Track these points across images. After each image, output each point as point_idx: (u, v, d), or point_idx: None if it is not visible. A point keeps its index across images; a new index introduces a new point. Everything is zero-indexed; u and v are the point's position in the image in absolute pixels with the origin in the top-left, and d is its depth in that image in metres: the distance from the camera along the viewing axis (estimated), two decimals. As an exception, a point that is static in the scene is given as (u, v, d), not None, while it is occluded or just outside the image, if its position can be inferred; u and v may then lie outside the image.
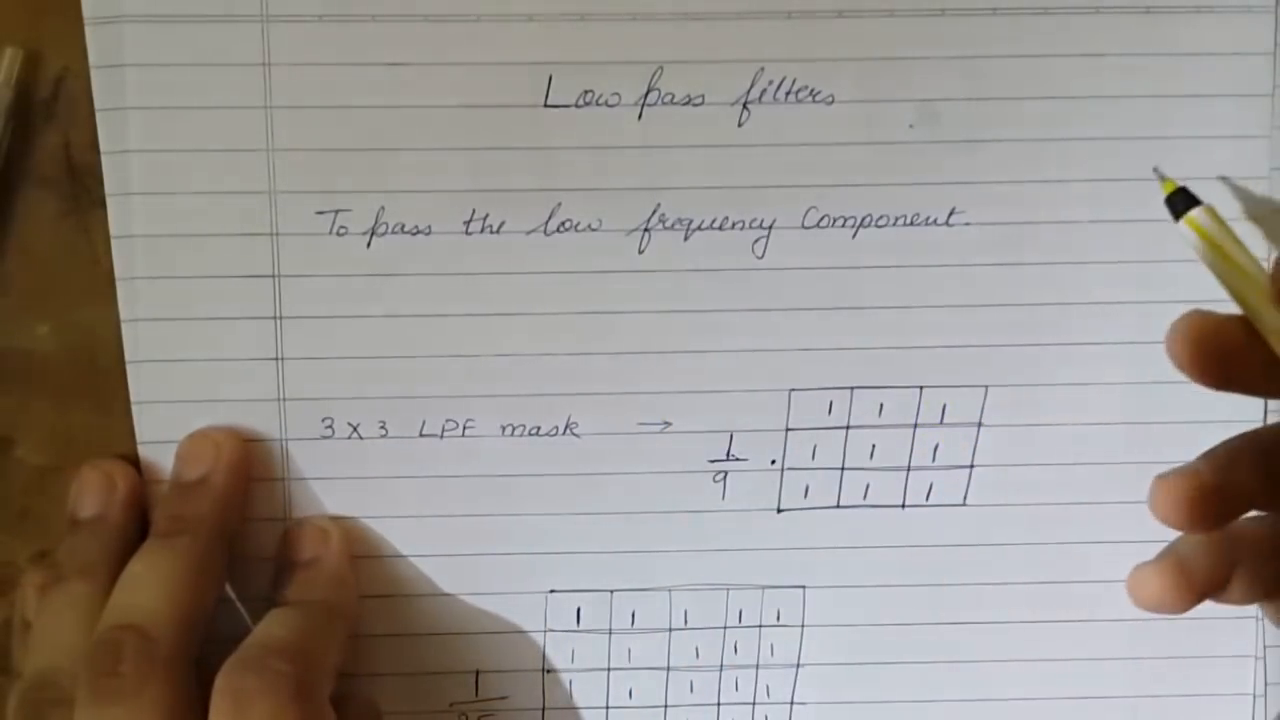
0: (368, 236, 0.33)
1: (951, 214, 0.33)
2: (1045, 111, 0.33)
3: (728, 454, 0.34)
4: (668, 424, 0.34)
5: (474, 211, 0.33)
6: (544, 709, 0.35)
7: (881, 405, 0.34)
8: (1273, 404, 0.34)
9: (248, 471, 0.33)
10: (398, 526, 0.34)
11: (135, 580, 0.30)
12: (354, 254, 0.33)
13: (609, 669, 0.35)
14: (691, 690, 0.36)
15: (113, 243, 0.32)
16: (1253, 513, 0.29)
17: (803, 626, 0.35)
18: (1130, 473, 0.34)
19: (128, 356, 0.33)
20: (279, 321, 0.33)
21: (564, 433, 0.34)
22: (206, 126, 0.32)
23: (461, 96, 0.32)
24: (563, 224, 0.33)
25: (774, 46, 0.32)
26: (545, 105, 0.32)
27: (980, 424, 0.34)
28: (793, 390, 0.34)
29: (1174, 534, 0.29)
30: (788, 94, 0.33)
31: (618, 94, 0.32)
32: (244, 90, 0.32)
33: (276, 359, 0.33)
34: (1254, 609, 0.34)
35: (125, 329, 0.33)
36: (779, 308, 0.33)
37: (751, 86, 0.33)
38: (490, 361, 0.33)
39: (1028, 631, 0.35)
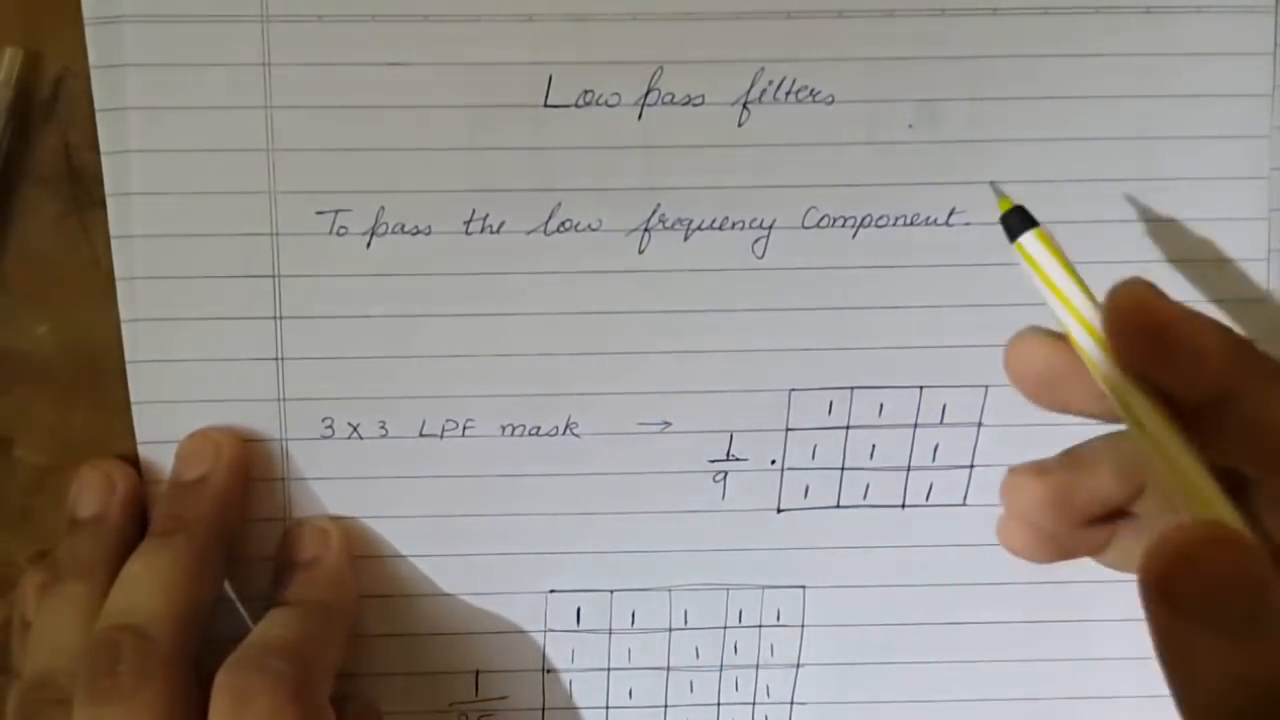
0: (368, 236, 0.33)
1: (951, 214, 0.33)
2: (1045, 111, 0.33)
3: (728, 454, 0.34)
4: (668, 424, 0.34)
5: (474, 211, 0.33)
6: (544, 709, 0.35)
7: (881, 405, 0.34)
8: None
9: (247, 471, 0.33)
10: (398, 526, 0.34)
11: (133, 580, 0.30)
12: (354, 254, 0.33)
13: (609, 669, 0.35)
14: (691, 690, 0.36)
15: (113, 243, 0.32)
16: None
17: (803, 626, 0.35)
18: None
19: (128, 356, 0.33)
20: (279, 321, 0.33)
21: (564, 433, 0.34)
22: (206, 126, 0.32)
23: (461, 96, 0.32)
24: (563, 224, 0.33)
25: (774, 46, 0.32)
26: (545, 105, 0.32)
27: (980, 424, 0.34)
28: (793, 390, 0.34)
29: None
30: (788, 94, 0.33)
31: (618, 94, 0.32)
32: (244, 90, 0.32)
33: (276, 359, 0.33)
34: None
35: (125, 329, 0.33)
36: (779, 308, 0.33)
37: (751, 86, 0.33)
38: (490, 361, 0.33)
39: (1028, 631, 0.35)
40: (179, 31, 0.32)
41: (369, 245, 0.33)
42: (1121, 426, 0.27)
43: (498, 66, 0.32)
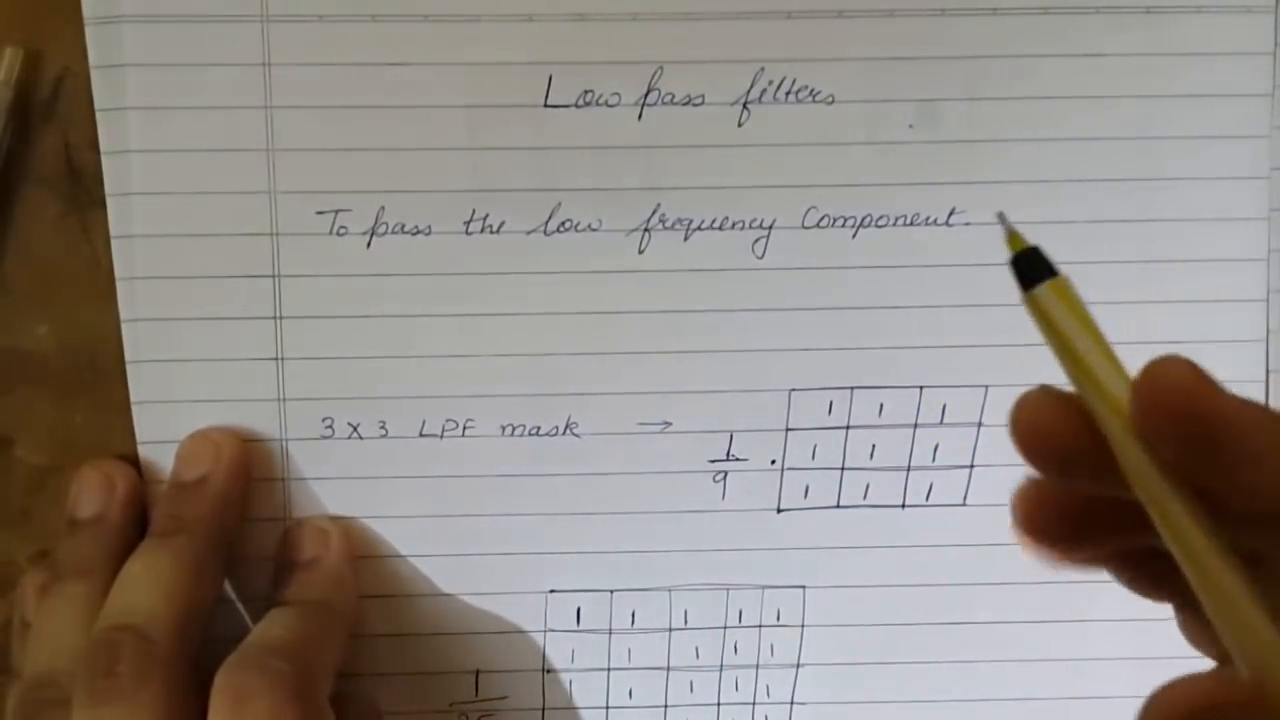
0: (368, 236, 0.33)
1: (951, 214, 0.33)
2: (1045, 111, 0.33)
3: (728, 454, 0.34)
4: (668, 424, 0.34)
5: (474, 211, 0.33)
6: (544, 709, 0.35)
7: (881, 405, 0.34)
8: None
9: (247, 472, 0.33)
10: (398, 526, 0.34)
11: (133, 580, 0.30)
12: (354, 254, 0.33)
13: (609, 669, 0.35)
14: (691, 690, 0.36)
15: (113, 243, 0.32)
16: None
17: (803, 626, 0.35)
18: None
19: (128, 356, 0.33)
20: (279, 321, 0.33)
21: (564, 433, 0.34)
22: (206, 126, 0.32)
23: (461, 96, 0.32)
24: (563, 224, 0.33)
25: (774, 46, 0.32)
26: (545, 105, 0.32)
27: (980, 424, 0.34)
28: (793, 390, 0.34)
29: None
30: (788, 94, 0.33)
31: (618, 94, 0.32)
32: (244, 90, 0.32)
33: (276, 359, 0.33)
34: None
35: (125, 329, 0.33)
36: (779, 308, 0.33)
37: (751, 86, 0.33)
38: (490, 361, 0.33)
39: (1027, 631, 0.35)
40: (179, 31, 0.32)
41: (369, 245, 0.33)
42: None
43: (498, 66, 0.32)
